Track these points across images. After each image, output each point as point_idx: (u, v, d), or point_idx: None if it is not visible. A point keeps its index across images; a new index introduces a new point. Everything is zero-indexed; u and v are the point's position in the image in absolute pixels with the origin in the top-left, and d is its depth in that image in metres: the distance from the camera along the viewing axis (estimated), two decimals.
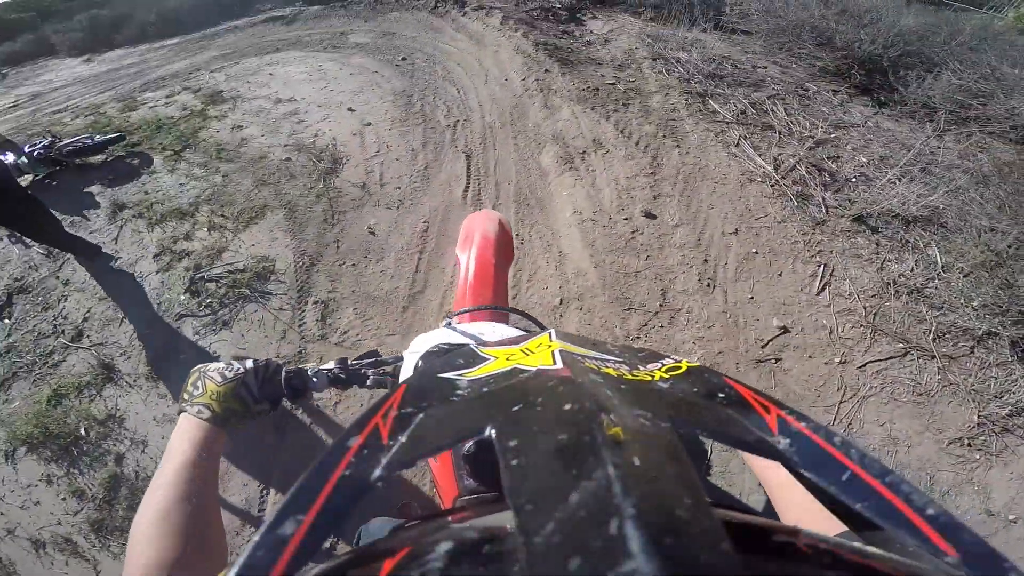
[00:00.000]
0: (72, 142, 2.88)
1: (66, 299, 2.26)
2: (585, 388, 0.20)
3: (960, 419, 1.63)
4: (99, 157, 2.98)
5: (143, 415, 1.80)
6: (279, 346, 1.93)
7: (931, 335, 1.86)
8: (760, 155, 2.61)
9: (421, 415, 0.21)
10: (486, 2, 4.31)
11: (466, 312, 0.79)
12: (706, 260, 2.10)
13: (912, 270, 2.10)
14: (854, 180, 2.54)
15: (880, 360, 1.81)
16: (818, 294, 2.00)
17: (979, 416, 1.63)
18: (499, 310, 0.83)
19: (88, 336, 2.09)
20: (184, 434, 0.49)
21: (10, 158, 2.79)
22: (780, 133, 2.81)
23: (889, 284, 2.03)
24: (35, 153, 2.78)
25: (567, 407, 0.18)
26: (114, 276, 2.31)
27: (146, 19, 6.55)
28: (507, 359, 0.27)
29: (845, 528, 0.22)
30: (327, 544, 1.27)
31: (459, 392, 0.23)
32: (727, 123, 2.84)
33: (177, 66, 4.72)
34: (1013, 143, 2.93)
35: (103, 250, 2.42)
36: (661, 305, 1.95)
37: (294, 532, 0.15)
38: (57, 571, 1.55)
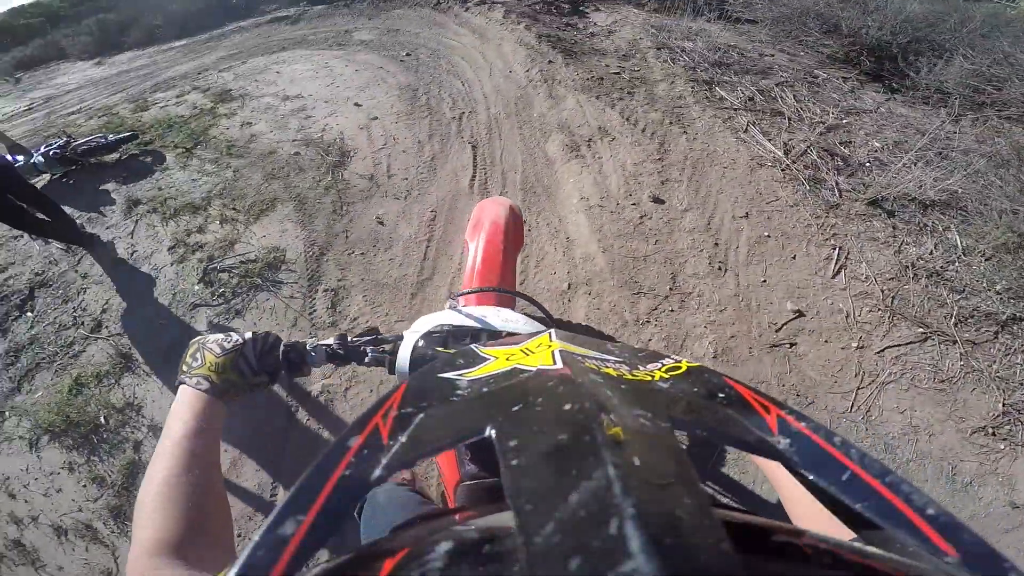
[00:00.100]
0: (86, 142, 2.94)
1: (85, 292, 2.31)
2: (585, 388, 0.20)
3: (984, 407, 1.58)
4: (113, 156, 3.04)
5: (160, 402, 1.83)
6: (290, 333, 1.95)
7: (952, 319, 1.81)
8: (770, 140, 2.57)
9: (421, 415, 0.20)
10: None
11: (471, 293, 0.78)
12: (717, 244, 2.08)
13: (931, 253, 2.05)
14: (868, 164, 2.49)
15: (899, 345, 1.76)
16: (833, 277, 1.96)
17: (1004, 404, 1.57)
18: (503, 292, 0.81)
19: (106, 327, 2.14)
20: (183, 406, 0.49)
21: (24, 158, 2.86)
22: (790, 119, 2.76)
23: (907, 267, 1.98)
24: (51, 153, 2.84)
25: (567, 407, 0.18)
26: (129, 269, 2.36)
27: (153, 22, 6.68)
28: (507, 359, 0.27)
29: None
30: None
31: (459, 392, 0.23)
32: (735, 110, 2.80)
33: (186, 67, 4.80)
34: None
35: (103, 240, 2.47)
36: (671, 289, 1.93)
37: (294, 532, 0.15)
38: (78, 557, 1.58)
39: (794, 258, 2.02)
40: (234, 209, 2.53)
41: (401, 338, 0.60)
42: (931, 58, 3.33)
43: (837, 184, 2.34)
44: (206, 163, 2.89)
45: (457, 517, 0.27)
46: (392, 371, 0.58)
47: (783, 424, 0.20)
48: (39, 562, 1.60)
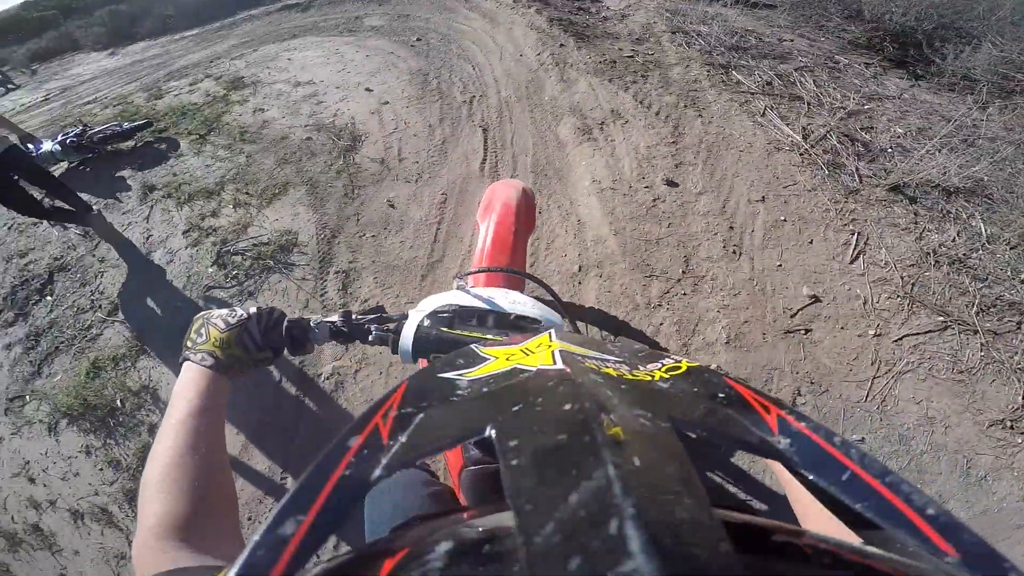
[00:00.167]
0: (102, 130, 2.99)
1: (102, 275, 2.36)
2: (585, 388, 0.20)
3: (1003, 399, 1.53)
4: (129, 143, 3.08)
5: (174, 385, 1.86)
6: (302, 314, 1.97)
7: (974, 308, 1.76)
8: (788, 125, 2.51)
9: (421, 415, 0.20)
10: None
11: (479, 272, 0.77)
12: (731, 227, 2.04)
13: (954, 240, 2.00)
14: (890, 150, 2.43)
15: (918, 334, 1.72)
16: (851, 263, 1.92)
17: None
18: (512, 273, 0.80)
19: (123, 310, 2.18)
20: (188, 383, 0.48)
21: (47, 146, 2.91)
22: (809, 104, 2.69)
23: (928, 254, 1.93)
24: (68, 141, 2.89)
25: (567, 407, 0.18)
26: (145, 252, 2.40)
27: (165, 12, 6.72)
28: (507, 359, 0.27)
29: None
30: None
31: (459, 392, 0.23)
32: (752, 94, 2.73)
33: (198, 56, 4.83)
34: None
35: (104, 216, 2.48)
36: (684, 272, 1.90)
37: (294, 532, 0.15)
38: (93, 542, 1.61)
39: (811, 243, 1.98)
40: (247, 193, 2.55)
41: (406, 317, 0.59)
42: (958, 45, 3.25)
43: (857, 169, 2.28)
44: (219, 149, 2.91)
45: (459, 517, 0.27)
46: (395, 351, 0.57)
47: (783, 424, 0.20)
48: (56, 547, 1.64)
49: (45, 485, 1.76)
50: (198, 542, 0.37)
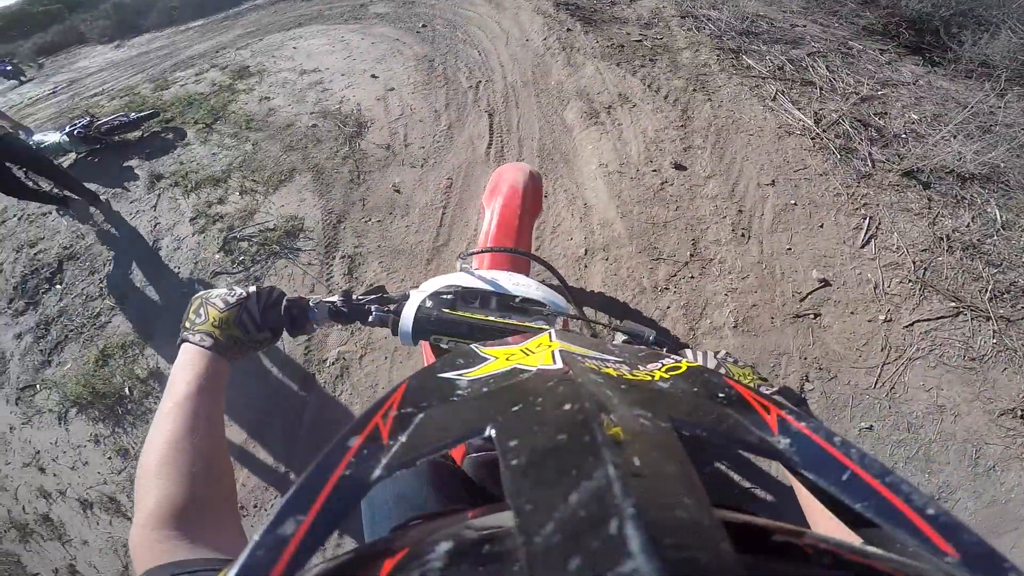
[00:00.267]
0: (109, 120, 3.01)
1: (111, 264, 2.38)
2: (585, 388, 0.20)
3: (1014, 388, 1.51)
4: (136, 133, 3.10)
5: (172, 368, 1.88)
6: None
7: (987, 294, 1.73)
8: (799, 109, 2.47)
9: (421, 415, 0.20)
10: None
11: (482, 252, 0.76)
12: (740, 211, 2.01)
13: (968, 226, 1.96)
14: (904, 136, 2.38)
15: (929, 319, 1.69)
16: (863, 247, 1.89)
17: None
18: (517, 253, 0.79)
19: (131, 297, 2.20)
20: (187, 364, 0.47)
21: (55, 137, 2.94)
22: (821, 89, 2.64)
23: (942, 239, 1.89)
24: (75, 132, 2.91)
25: (567, 407, 0.18)
26: (153, 239, 2.42)
27: (169, 4, 6.73)
28: (507, 359, 0.27)
29: None
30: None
31: (459, 392, 0.23)
32: (763, 78, 2.68)
33: (204, 46, 4.83)
34: None
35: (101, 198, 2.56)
36: (692, 255, 1.88)
37: (294, 532, 0.15)
38: (102, 531, 1.63)
39: (821, 227, 1.95)
40: (253, 180, 2.56)
41: (407, 297, 0.58)
42: (976, 31, 3.19)
43: (870, 154, 2.23)
44: (226, 137, 2.92)
45: (459, 516, 0.27)
46: (395, 332, 0.56)
47: (783, 424, 0.20)
48: (65, 536, 1.65)
49: (55, 475, 1.77)
50: (196, 530, 0.36)
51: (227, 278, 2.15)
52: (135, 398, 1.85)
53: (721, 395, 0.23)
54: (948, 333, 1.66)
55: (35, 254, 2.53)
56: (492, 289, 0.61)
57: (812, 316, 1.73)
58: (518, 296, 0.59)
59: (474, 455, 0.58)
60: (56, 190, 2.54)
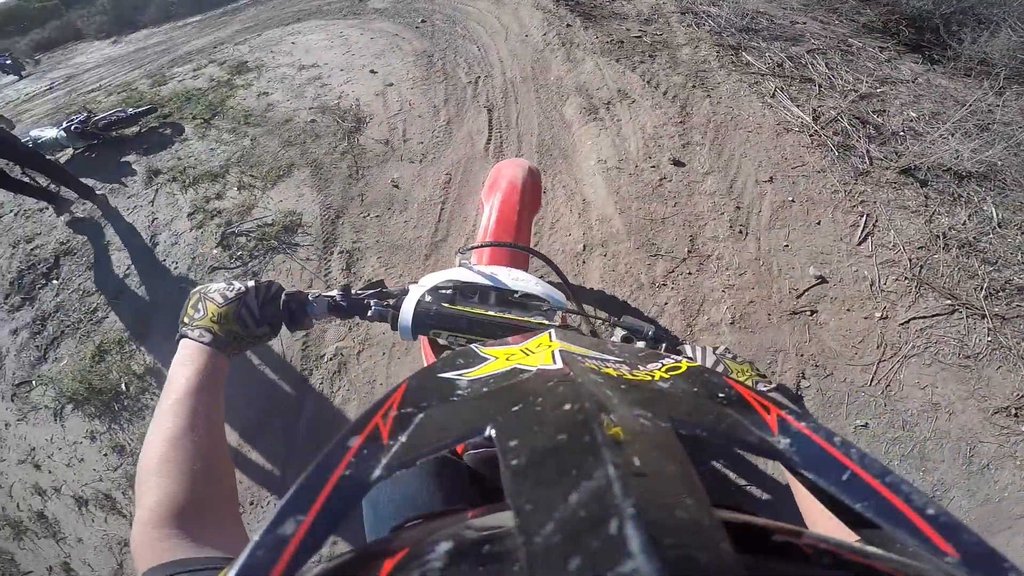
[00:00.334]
0: (106, 116, 2.99)
1: (108, 259, 2.37)
2: (585, 388, 0.20)
3: (1009, 386, 1.51)
4: (133, 129, 3.08)
5: (171, 364, 1.87)
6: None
7: (983, 292, 1.74)
8: (798, 106, 2.47)
9: (421, 415, 0.21)
10: None
11: (482, 247, 0.76)
12: (738, 207, 2.02)
13: (964, 224, 1.96)
14: (902, 134, 2.38)
15: (925, 317, 1.70)
16: (859, 244, 1.90)
17: None
18: (516, 248, 0.80)
19: (127, 292, 2.19)
20: (186, 360, 0.47)
21: (52, 132, 2.93)
22: (820, 86, 2.64)
23: (938, 236, 1.90)
24: (73, 128, 2.90)
25: (567, 407, 0.18)
26: (150, 235, 2.41)
27: None
28: (507, 359, 0.27)
29: None
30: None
31: (459, 392, 0.23)
32: (762, 75, 2.68)
33: (202, 41, 4.81)
34: None
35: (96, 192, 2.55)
36: (689, 251, 1.88)
37: (294, 532, 0.15)
38: (97, 528, 1.61)
39: (819, 224, 1.96)
40: (252, 176, 2.55)
41: (406, 292, 0.58)
42: (976, 29, 3.19)
43: (868, 152, 2.24)
44: (224, 133, 2.91)
45: (459, 516, 0.27)
46: (395, 327, 0.56)
47: (783, 424, 0.20)
48: (60, 534, 1.63)
49: (50, 471, 1.75)
50: (197, 528, 0.36)
51: (225, 273, 2.15)
52: (131, 394, 1.84)
53: (721, 395, 0.23)
54: (943, 331, 1.66)
55: (32, 249, 2.52)
56: (491, 284, 0.61)
57: (809, 313, 1.74)
58: (517, 291, 0.59)
59: (473, 452, 0.58)
60: (53, 185, 2.54)
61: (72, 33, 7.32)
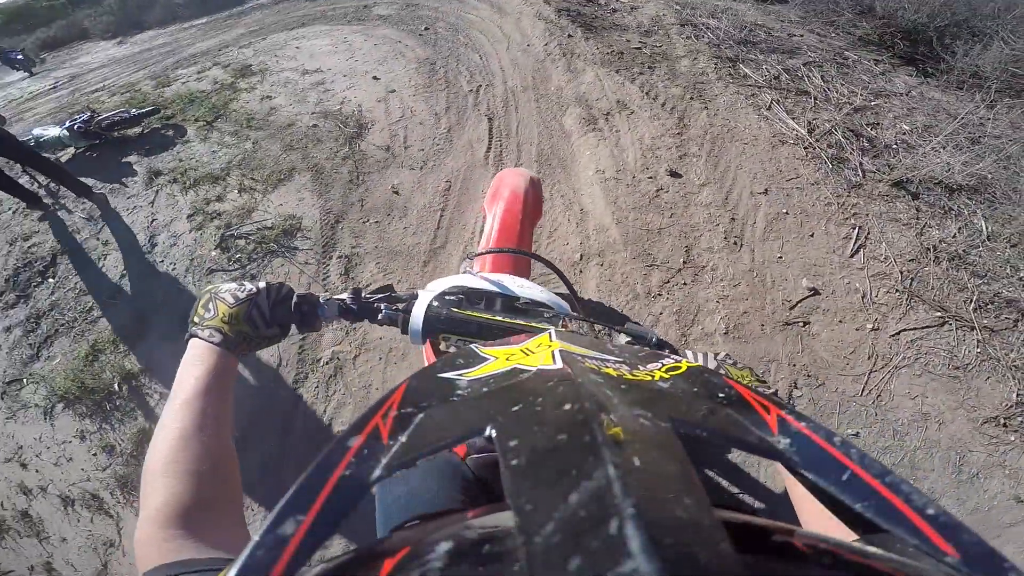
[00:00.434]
0: (109, 116, 3.01)
1: (105, 258, 2.38)
2: (585, 388, 0.20)
3: (997, 397, 1.54)
4: (136, 129, 3.10)
5: (173, 369, 1.87)
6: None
7: (972, 304, 1.76)
8: (794, 119, 2.51)
9: (421, 415, 0.20)
10: None
11: (488, 253, 0.77)
12: (733, 219, 2.04)
13: (954, 236, 1.99)
14: (894, 146, 2.42)
15: (915, 329, 1.72)
16: (851, 256, 1.92)
17: (1018, 395, 1.54)
18: (521, 254, 0.80)
19: (124, 292, 2.19)
20: (196, 360, 0.46)
21: (54, 131, 2.94)
22: (816, 99, 2.68)
23: (929, 249, 1.93)
24: (76, 127, 2.91)
25: (567, 407, 0.18)
26: (148, 235, 2.42)
27: (174, 1, 6.73)
28: (507, 359, 0.27)
29: None
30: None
31: (459, 392, 0.23)
32: (759, 87, 2.73)
33: (207, 44, 4.84)
34: None
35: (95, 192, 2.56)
36: (685, 262, 1.91)
37: (294, 532, 0.15)
38: (82, 528, 1.59)
39: (812, 236, 1.98)
40: (252, 179, 2.57)
41: (415, 297, 0.58)
42: (969, 42, 3.23)
43: (861, 164, 2.27)
44: (226, 135, 2.93)
45: (459, 516, 0.27)
46: (405, 330, 0.57)
47: (783, 424, 0.20)
48: (44, 534, 1.61)
49: (37, 470, 1.73)
50: (202, 530, 0.36)
51: (223, 275, 2.16)
52: (124, 394, 1.82)
53: (721, 395, 0.23)
54: (933, 342, 1.68)
55: (29, 247, 2.52)
56: (498, 291, 0.61)
57: (801, 324, 1.76)
58: (522, 298, 0.60)
59: (475, 456, 0.58)
60: (48, 184, 2.55)
61: (78, 33, 7.35)
